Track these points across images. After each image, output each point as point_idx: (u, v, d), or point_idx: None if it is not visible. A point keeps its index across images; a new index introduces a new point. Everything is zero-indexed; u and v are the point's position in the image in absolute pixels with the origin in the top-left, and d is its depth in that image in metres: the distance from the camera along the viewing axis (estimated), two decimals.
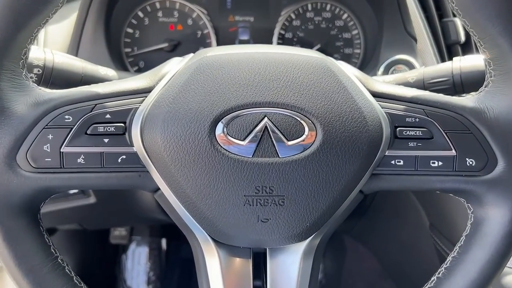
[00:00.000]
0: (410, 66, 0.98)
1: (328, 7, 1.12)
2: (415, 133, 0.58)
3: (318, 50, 1.12)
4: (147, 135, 0.55)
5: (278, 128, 0.54)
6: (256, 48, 0.60)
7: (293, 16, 1.12)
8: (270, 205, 0.55)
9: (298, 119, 0.54)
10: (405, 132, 0.58)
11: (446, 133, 0.57)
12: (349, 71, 0.60)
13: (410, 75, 0.78)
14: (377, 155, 0.57)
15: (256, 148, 0.54)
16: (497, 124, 0.56)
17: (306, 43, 1.13)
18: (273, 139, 0.54)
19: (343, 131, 0.55)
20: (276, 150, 0.54)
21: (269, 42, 1.12)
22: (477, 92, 0.60)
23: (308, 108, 0.54)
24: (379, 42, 1.03)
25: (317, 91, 0.55)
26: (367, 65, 1.09)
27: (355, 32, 1.13)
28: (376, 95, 0.59)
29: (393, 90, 0.60)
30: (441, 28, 1.02)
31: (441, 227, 1.03)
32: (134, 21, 1.10)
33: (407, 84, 0.78)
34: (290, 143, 0.54)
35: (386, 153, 0.58)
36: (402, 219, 1.20)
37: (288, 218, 0.56)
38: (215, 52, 0.58)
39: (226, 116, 0.54)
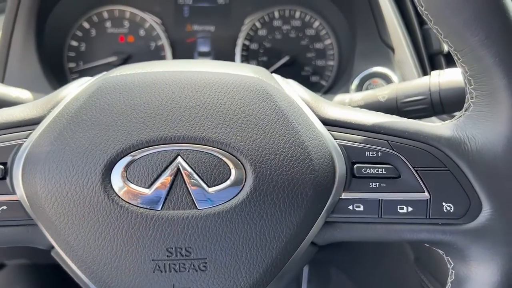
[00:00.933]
0: (387, 80, 0.86)
1: (298, 14, 1.01)
2: (377, 170, 0.45)
3: (287, 62, 1.00)
4: (27, 180, 0.43)
5: (195, 171, 0.42)
6: (176, 65, 0.48)
7: (258, 25, 1.01)
8: (189, 271, 0.43)
9: (222, 158, 0.42)
10: (365, 170, 0.46)
11: (416, 171, 0.45)
12: (294, 94, 0.47)
13: (381, 93, 0.66)
14: (330, 199, 0.45)
15: (166, 198, 0.42)
16: (480, 159, 0.44)
17: (273, 55, 1.01)
18: (188, 185, 0.42)
19: (280, 172, 0.42)
20: (193, 200, 0.42)
21: (232, 53, 1.00)
22: (456, 117, 0.48)
23: (235, 144, 0.42)
24: (352, 53, 0.91)
25: (247, 122, 0.43)
26: (341, 78, 0.97)
27: (328, 42, 1.01)
28: (329, 122, 0.47)
29: (349, 116, 0.47)
30: (422, 37, 0.90)
31: (427, 262, 0.90)
32: (79, 33, 0.98)
33: (377, 104, 0.66)
34: (211, 190, 0.42)
35: (342, 196, 0.46)
36: (385, 251, 1.08)
37: (213, 286, 0.43)
38: (122, 71, 0.46)
39: (126, 156, 0.42)
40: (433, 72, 0.65)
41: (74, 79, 0.98)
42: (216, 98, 0.43)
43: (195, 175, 0.42)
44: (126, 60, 0.98)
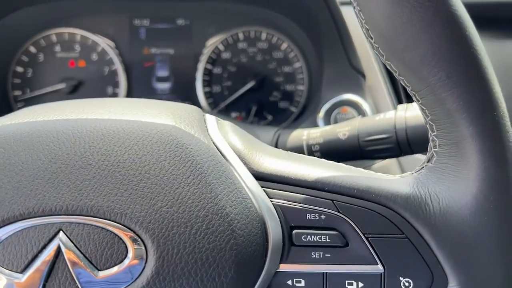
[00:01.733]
0: (358, 109, 0.79)
1: (264, 35, 0.93)
2: (320, 238, 0.37)
3: (254, 87, 0.92)
4: None
5: (81, 250, 0.34)
6: (75, 110, 0.39)
7: (221, 47, 0.93)
8: None
9: (117, 233, 0.34)
10: (306, 237, 0.37)
11: (367, 238, 0.37)
12: (223, 144, 0.39)
13: (342, 129, 0.58)
14: (262, 274, 0.37)
15: (44, 286, 0.33)
16: (444, 223, 0.36)
17: (239, 79, 0.93)
18: (72, 269, 0.33)
19: (192, 250, 0.34)
20: (77, 287, 0.33)
21: (193, 78, 0.92)
22: (417, 169, 0.40)
23: (133, 215, 0.34)
24: (320, 80, 0.83)
25: (151, 185, 0.34)
26: (311, 105, 0.89)
27: (297, 65, 0.93)
28: (263, 177, 0.39)
29: (289, 169, 0.39)
30: None
31: None
32: (24, 58, 0.90)
33: (337, 142, 0.57)
34: (102, 274, 0.34)
35: (279, 269, 0.38)
36: None
37: None
38: (6, 120, 0.38)
39: None
40: (399, 106, 0.57)
41: (19, 108, 0.90)
42: (114, 154, 0.35)
43: (81, 255, 0.33)
44: (76, 87, 0.90)
